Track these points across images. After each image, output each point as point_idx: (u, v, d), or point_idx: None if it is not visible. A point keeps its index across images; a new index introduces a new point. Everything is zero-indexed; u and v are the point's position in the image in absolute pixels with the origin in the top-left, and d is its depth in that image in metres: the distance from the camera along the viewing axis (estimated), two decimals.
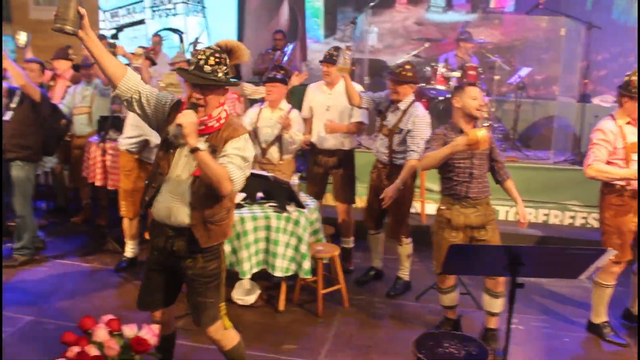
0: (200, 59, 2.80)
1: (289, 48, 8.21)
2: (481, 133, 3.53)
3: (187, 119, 2.69)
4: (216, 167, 2.74)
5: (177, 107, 2.93)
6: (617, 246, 4.24)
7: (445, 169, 4.00)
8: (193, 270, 3.03)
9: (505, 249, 2.47)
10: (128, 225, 5.45)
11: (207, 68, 2.78)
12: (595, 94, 8.34)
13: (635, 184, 4.14)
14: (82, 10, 2.56)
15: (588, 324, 4.60)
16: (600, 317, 4.50)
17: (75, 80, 6.79)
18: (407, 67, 4.86)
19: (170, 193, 2.93)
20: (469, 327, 4.44)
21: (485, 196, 4.01)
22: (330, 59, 5.23)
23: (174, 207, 2.93)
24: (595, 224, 6.53)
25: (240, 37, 10.59)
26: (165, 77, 5.18)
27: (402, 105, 4.89)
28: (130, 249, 5.52)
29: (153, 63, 7.21)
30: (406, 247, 5.10)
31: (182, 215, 2.92)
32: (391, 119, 4.93)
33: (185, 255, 3.00)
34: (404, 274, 5.20)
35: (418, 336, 2.86)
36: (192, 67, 2.83)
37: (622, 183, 4.19)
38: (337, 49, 5.24)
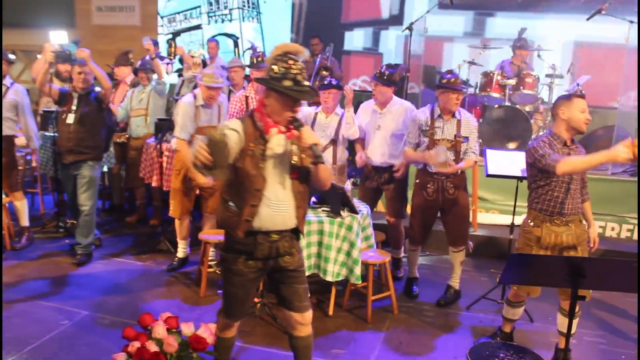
0: (296, 74, 2.85)
1: (328, 52, 8.24)
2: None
3: (312, 136, 2.89)
4: (324, 167, 2.97)
5: (256, 128, 2.96)
6: None
7: (542, 179, 3.78)
8: (292, 263, 3.17)
9: (567, 260, 2.41)
10: (179, 226, 5.56)
11: (305, 82, 2.88)
12: None
13: None
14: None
15: None
16: None
17: (135, 84, 6.98)
18: (449, 75, 4.80)
19: (276, 201, 3.00)
20: (521, 340, 4.35)
21: (578, 213, 3.84)
22: (382, 79, 5.16)
23: (284, 213, 3.03)
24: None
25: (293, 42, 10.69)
26: (205, 76, 5.26)
27: (457, 115, 4.83)
28: (182, 249, 5.63)
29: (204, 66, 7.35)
30: (460, 254, 5.03)
31: (292, 217, 3.06)
32: (448, 129, 4.85)
33: (287, 252, 3.13)
34: (455, 282, 5.13)
35: (473, 344, 2.81)
36: (289, 83, 2.85)
37: None
38: (391, 66, 5.21)
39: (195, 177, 5.19)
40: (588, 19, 7.81)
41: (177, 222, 5.55)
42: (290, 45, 2.94)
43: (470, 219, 6.47)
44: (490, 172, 4.90)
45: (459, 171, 4.83)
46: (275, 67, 2.87)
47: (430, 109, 4.91)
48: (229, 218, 3.02)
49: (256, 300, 4.67)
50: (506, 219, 6.29)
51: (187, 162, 5.14)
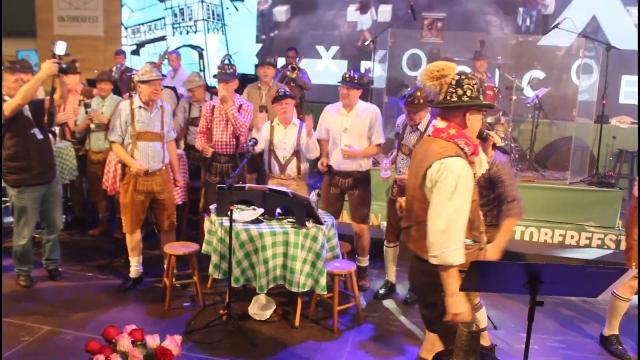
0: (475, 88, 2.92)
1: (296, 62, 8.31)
2: None
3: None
4: None
5: (466, 156, 2.93)
6: None
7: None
8: None
9: (525, 267, 2.48)
10: (130, 242, 5.34)
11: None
12: (613, 114, 8.34)
13: None
14: None
15: (600, 337, 4.69)
16: (612, 330, 4.60)
17: (87, 94, 6.87)
18: (419, 94, 4.83)
19: None
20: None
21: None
22: (350, 82, 5.24)
23: None
24: (612, 245, 6.50)
25: (260, 55, 10.73)
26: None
27: (422, 126, 4.93)
28: (134, 268, 5.42)
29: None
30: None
31: None
32: (411, 138, 4.98)
33: None
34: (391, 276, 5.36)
35: (435, 354, 2.86)
36: (482, 97, 2.99)
37: None
38: (356, 70, 5.30)
39: (130, 163, 5.09)
40: (545, 33, 8.08)
41: (128, 238, 5.33)
42: (443, 63, 2.96)
43: None
44: None
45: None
46: (468, 88, 2.87)
47: (403, 120, 5.15)
48: (470, 255, 2.92)
49: (222, 312, 4.66)
50: None
51: (127, 163, 5.12)
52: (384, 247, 5.39)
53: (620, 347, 4.55)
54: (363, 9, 10.40)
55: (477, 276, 2.52)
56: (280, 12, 10.88)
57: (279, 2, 10.88)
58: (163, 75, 5.30)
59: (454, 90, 2.89)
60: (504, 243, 3.99)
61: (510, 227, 4.07)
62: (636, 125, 8.22)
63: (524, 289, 2.52)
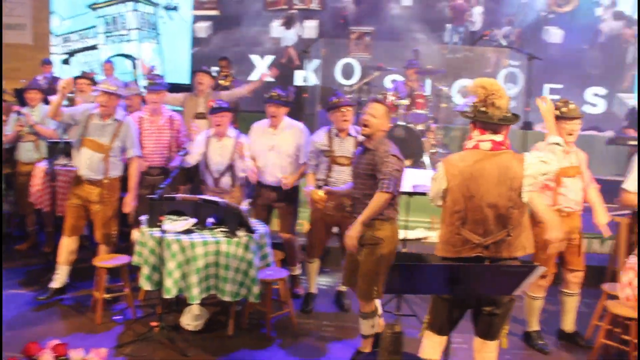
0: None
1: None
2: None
3: None
4: None
5: None
6: (544, 261, 4.49)
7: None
8: None
9: (446, 268, 2.57)
10: (62, 246, 5.20)
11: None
12: (537, 121, 8.70)
13: (564, 206, 4.53)
14: None
15: (524, 333, 4.96)
16: (533, 326, 4.88)
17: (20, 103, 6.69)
18: (334, 96, 5.01)
19: None
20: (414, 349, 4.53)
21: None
22: (279, 101, 5.27)
23: None
24: None
25: (193, 64, 10.66)
26: None
27: (352, 132, 5.03)
28: (59, 277, 5.28)
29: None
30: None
31: None
32: (345, 146, 5.04)
33: None
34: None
35: (352, 356, 2.92)
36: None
37: (550, 203, 4.49)
38: (282, 88, 5.35)
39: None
40: (473, 44, 8.38)
41: (60, 242, 5.21)
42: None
43: None
44: None
45: None
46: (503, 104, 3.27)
47: (326, 130, 5.14)
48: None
49: (154, 323, 4.60)
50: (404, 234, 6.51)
51: None
52: (306, 262, 5.42)
53: (541, 342, 4.82)
54: (287, 25, 10.46)
55: (399, 279, 2.60)
56: (201, 28, 10.83)
57: (199, 18, 10.82)
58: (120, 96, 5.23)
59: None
60: (364, 218, 4.01)
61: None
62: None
63: (445, 289, 2.62)
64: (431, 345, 3.44)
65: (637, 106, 7.69)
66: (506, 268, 2.45)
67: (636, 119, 8.64)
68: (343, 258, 4.56)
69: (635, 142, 7.76)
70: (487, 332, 3.35)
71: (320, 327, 5.00)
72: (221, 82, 7.58)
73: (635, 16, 9.99)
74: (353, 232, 4.01)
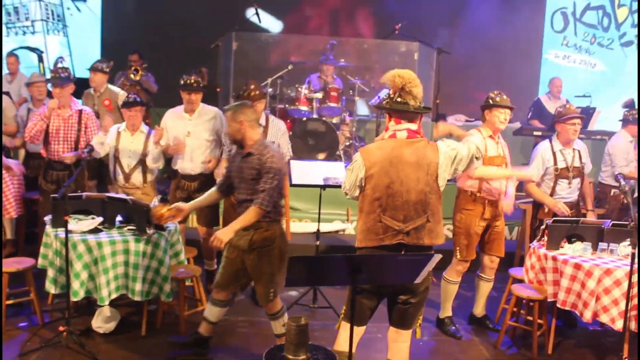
0: None
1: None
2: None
3: None
4: None
5: None
6: (464, 246, 4.78)
7: None
8: None
9: (346, 259, 2.62)
10: None
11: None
12: (448, 113, 8.99)
13: (487, 193, 4.72)
14: None
15: (436, 319, 5.09)
16: (446, 312, 5.03)
17: None
18: (252, 87, 5.02)
19: None
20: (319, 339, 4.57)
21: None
22: (190, 87, 5.19)
23: None
24: (450, 235, 6.99)
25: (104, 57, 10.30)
26: None
27: (262, 121, 5.07)
28: None
29: None
30: None
31: None
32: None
33: None
34: None
35: (268, 349, 2.94)
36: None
37: (475, 190, 4.73)
38: (198, 72, 5.29)
39: None
40: (385, 38, 8.54)
41: None
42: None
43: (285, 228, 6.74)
44: (294, 182, 5.14)
45: None
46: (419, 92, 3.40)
47: None
48: None
49: (62, 328, 4.44)
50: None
51: None
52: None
53: (453, 327, 5.00)
54: None
55: (301, 271, 2.62)
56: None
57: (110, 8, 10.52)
58: None
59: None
60: (239, 226, 3.97)
61: (252, 216, 3.95)
62: (471, 123, 8.93)
63: (347, 281, 2.66)
64: (346, 337, 3.40)
65: (637, 106, 8.03)
66: (404, 256, 2.53)
67: (540, 111, 9.09)
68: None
69: (540, 133, 8.16)
70: (402, 321, 3.44)
71: (237, 323, 4.97)
72: (132, 76, 7.37)
73: None
74: (224, 237, 3.94)
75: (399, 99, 3.36)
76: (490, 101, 4.76)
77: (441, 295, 5.02)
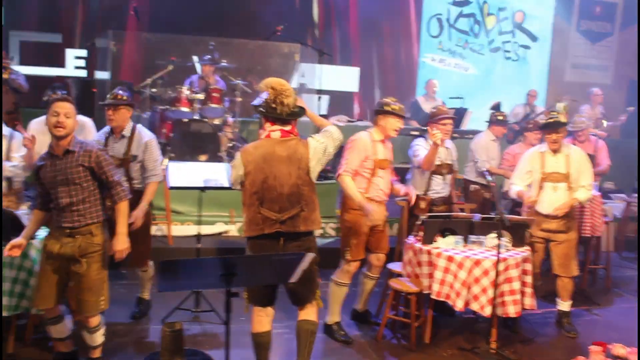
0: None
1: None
2: None
3: None
4: None
5: None
6: (354, 245, 4.82)
7: None
8: None
9: (219, 261, 2.59)
10: None
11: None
12: (331, 114, 9.16)
13: (375, 195, 4.82)
14: None
15: (324, 326, 4.97)
16: (334, 317, 4.96)
17: None
18: (121, 91, 4.78)
19: None
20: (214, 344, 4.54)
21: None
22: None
23: None
24: (333, 233, 7.15)
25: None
26: None
27: (127, 132, 4.85)
28: None
29: None
30: (150, 270, 5.09)
31: None
32: (117, 148, 4.84)
33: None
34: (146, 295, 5.21)
35: (146, 356, 2.86)
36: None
37: (364, 192, 4.77)
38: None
39: None
40: (267, 39, 8.56)
41: None
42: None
43: (166, 233, 6.60)
44: (172, 185, 5.03)
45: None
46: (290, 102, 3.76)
47: (108, 129, 4.92)
48: None
49: None
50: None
51: None
52: (139, 272, 5.08)
53: (342, 333, 4.94)
54: None
55: (173, 275, 2.57)
56: None
57: None
58: None
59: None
60: (125, 228, 3.94)
61: (126, 210, 3.96)
62: (353, 123, 9.17)
63: (220, 283, 2.63)
64: (259, 320, 3.80)
65: (637, 112, 8.32)
66: (278, 257, 2.55)
67: (418, 112, 9.50)
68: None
69: (417, 133, 8.51)
70: (299, 300, 3.90)
71: (116, 333, 4.75)
72: None
73: None
74: (124, 245, 3.88)
75: (273, 105, 3.71)
76: (387, 108, 4.80)
77: (330, 299, 4.91)
